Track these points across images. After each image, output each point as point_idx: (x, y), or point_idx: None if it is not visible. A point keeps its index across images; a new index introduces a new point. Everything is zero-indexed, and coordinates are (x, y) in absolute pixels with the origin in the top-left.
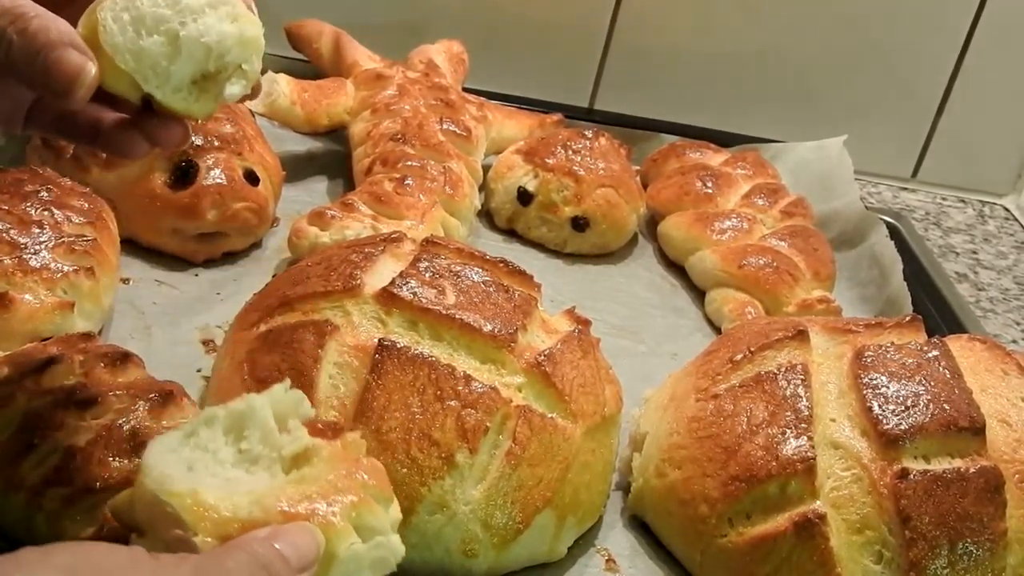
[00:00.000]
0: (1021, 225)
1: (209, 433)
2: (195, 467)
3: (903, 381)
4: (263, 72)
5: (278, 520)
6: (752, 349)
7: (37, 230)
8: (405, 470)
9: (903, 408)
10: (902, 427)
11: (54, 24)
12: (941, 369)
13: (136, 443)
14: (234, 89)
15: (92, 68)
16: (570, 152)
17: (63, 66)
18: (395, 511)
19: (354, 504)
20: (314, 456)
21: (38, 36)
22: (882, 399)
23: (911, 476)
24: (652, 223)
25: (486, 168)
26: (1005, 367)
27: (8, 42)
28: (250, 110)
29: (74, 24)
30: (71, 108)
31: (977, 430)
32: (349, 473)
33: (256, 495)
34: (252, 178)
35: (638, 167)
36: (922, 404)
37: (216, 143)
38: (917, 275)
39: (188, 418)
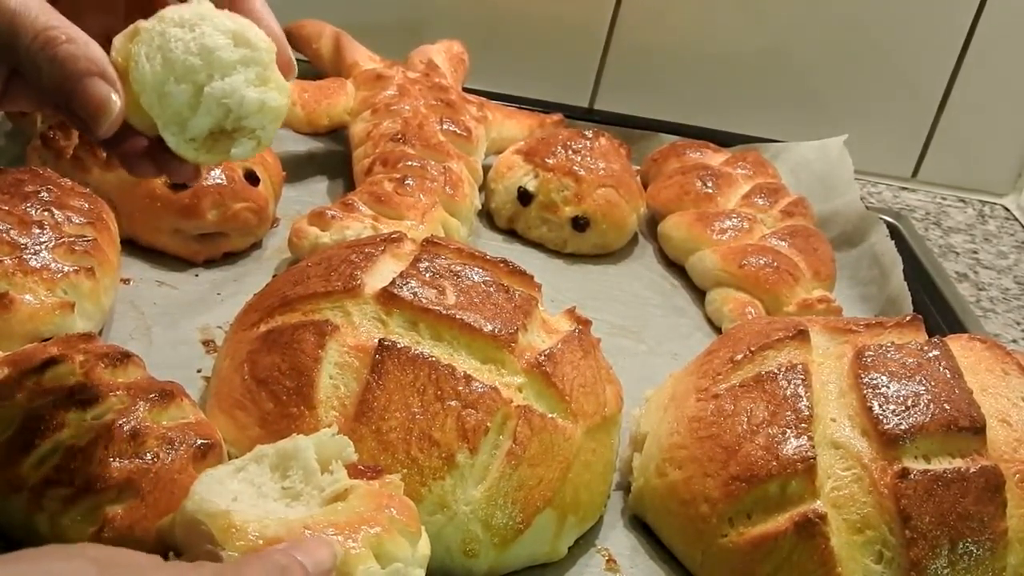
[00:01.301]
0: (1021, 225)
1: (258, 469)
2: (240, 498)
3: (903, 381)
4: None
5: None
6: (752, 349)
7: (37, 230)
8: (405, 470)
9: (903, 408)
10: (902, 427)
11: (83, 50)
12: (941, 369)
13: (136, 443)
14: (244, 149)
15: (117, 101)
16: (570, 152)
17: (88, 97)
18: (423, 546)
19: (377, 534)
20: (351, 495)
21: (67, 63)
22: (882, 399)
23: (911, 476)
24: (652, 223)
25: (486, 168)
26: (1005, 367)
27: (37, 68)
28: None
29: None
30: (96, 138)
31: (977, 430)
32: (379, 507)
33: (285, 520)
34: (252, 178)
35: (638, 167)
36: (922, 404)
37: None
38: (917, 275)
39: (188, 418)
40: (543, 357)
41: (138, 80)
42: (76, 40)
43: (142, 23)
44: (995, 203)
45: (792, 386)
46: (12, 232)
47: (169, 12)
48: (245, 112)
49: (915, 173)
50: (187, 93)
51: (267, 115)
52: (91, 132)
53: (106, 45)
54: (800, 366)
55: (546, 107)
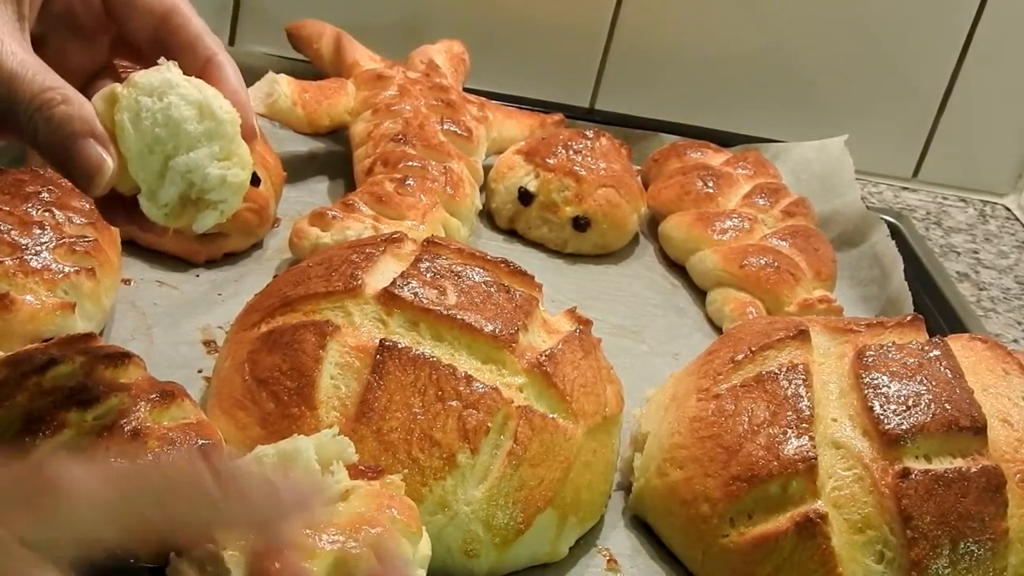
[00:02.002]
0: (1022, 224)
1: (258, 470)
2: None
3: (904, 381)
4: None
5: (302, 541)
6: (753, 349)
7: (38, 231)
8: (406, 470)
9: (904, 408)
10: (903, 427)
11: (78, 112)
12: (942, 369)
13: (138, 443)
14: (207, 221)
15: (111, 165)
16: (571, 152)
17: (83, 162)
18: (424, 547)
19: (379, 535)
20: (352, 495)
21: (63, 126)
22: (883, 399)
23: (912, 476)
24: (653, 223)
25: (487, 168)
26: (1006, 367)
27: (34, 128)
28: None
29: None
30: (87, 195)
31: (978, 430)
32: (379, 507)
33: None
34: (253, 179)
35: (639, 167)
36: (923, 404)
37: None
38: (918, 275)
39: (189, 418)
40: (544, 357)
41: (125, 146)
42: (72, 101)
43: (118, 88)
44: (996, 203)
45: (793, 386)
46: (13, 232)
47: (140, 78)
48: (208, 187)
49: (916, 173)
50: (157, 163)
51: (229, 189)
52: (84, 191)
53: (90, 86)
54: (801, 366)
55: (547, 107)
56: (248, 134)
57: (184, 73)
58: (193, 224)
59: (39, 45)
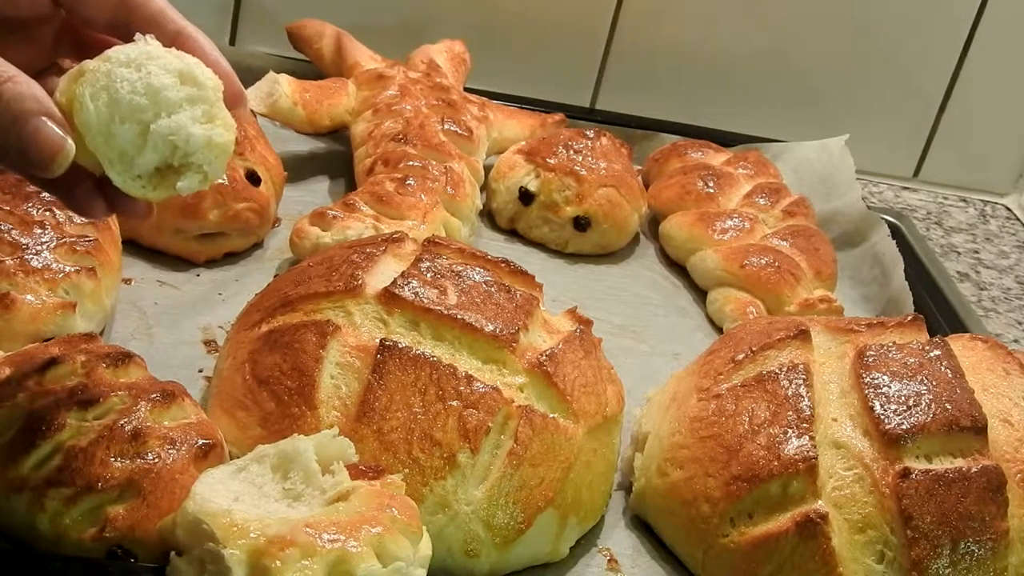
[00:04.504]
0: (1023, 224)
1: (259, 469)
2: (241, 498)
3: (905, 380)
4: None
5: (303, 540)
6: (754, 349)
7: (39, 231)
8: (407, 470)
9: (905, 408)
10: (904, 427)
11: (29, 90)
12: (943, 368)
13: (138, 443)
14: (191, 183)
15: (71, 147)
16: (572, 152)
17: (40, 142)
18: (425, 546)
19: (379, 534)
20: (352, 495)
21: (11, 104)
22: (884, 398)
23: (913, 475)
24: (654, 223)
25: (487, 168)
26: (1007, 366)
27: None
28: (251, 110)
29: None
30: (42, 178)
31: (979, 429)
32: (380, 507)
33: (287, 519)
34: (254, 178)
35: (640, 167)
36: (924, 404)
37: None
38: (919, 274)
39: (189, 418)
40: (544, 357)
41: (83, 122)
42: (18, 79)
43: (88, 63)
44: (996, 203)
45: (793, 386)
46: (13, 232)
47: (115, 52)
48: (192, 148)
49: (916, 173)
50: (133, 132)
51: (213, 151)
52: (40, 173)
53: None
54: (801, 366)
55: (547, 107)
56: (234, 98)
57: None
58: (176, 186)
59: None
